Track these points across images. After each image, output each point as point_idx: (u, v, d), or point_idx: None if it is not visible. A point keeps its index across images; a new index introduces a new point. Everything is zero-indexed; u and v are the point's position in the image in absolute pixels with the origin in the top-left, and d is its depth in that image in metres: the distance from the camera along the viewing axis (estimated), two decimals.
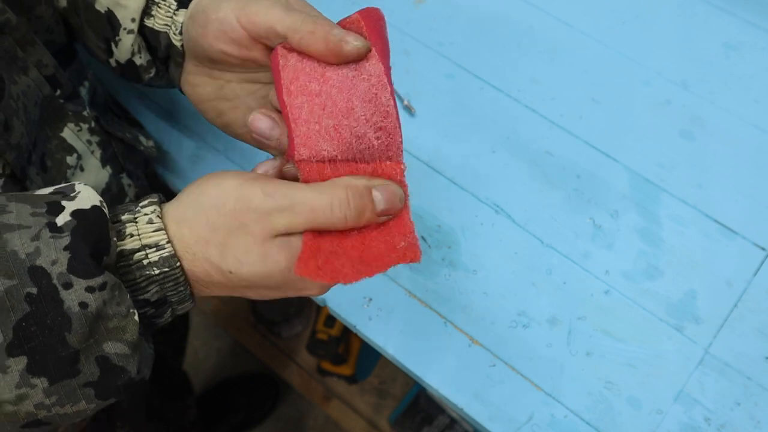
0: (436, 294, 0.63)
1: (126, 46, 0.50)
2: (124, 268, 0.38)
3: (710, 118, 0.70)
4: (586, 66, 0.73)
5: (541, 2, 0.77)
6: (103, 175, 0.56)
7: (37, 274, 0.34)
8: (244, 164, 0.71)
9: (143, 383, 0.39)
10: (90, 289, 0.35)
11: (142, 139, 0.66)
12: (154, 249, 0.38)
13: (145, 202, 0.39)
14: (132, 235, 0.38)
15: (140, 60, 0.52)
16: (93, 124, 0.55)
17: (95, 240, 0.36)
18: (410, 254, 0.40)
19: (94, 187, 0.55)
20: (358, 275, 0.39)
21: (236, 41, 0.43)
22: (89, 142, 0.55)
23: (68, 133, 0.52)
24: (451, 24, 0.76)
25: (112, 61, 0.52)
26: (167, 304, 0.39)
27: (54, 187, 0.38)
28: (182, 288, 0.39)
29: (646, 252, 0.64)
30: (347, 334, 1.38)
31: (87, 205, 0.37)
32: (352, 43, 0.40)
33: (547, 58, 0.74)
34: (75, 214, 0.36)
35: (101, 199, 0.38)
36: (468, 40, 0.75)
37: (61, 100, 0.52)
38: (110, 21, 0.49)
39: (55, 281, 0.34)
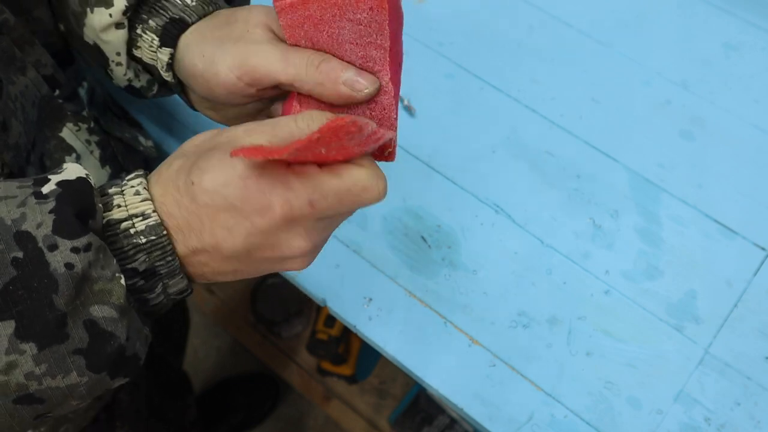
0: (436, 294, 0.63)
1: (119, 75, 0.51)
2: (111, 237, 0.38)
3: (710, 118, 0.70)
4: (586, 66, 0.73)
5: (541, 2, 0.77)
6: (102, 175, 0.56)
7: (23, 239, 0.34)
8: None
9: (136, 362, 0.39)
10: (75, 250, 0.35)
11: (142, 139, 0.66)
12: (141, 218, 0.38)
13: (132, 176, 0.40)
14: (119, 206, 0.38)
15: (139, 83, 0.52)
16: (92, 124, 0.55)
17: (80, 205, 0.36)
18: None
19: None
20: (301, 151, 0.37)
21: (239, 92, 0.45)
22: (88, 141, 0.55)
23: (67, 133, 0.52)
24: (451, 24, 0.76)
25: (115, 83, 0.53)
26: (157, 276, 0.39)
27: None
28: (170, 258, 0.38)
29: (646, 252, 0.64)
30: (347, 334, 1.39)
31: (72, 176, 0.37)
32: (364, 91, 0.42)
33: (547, 57, 0.74)
34: (60, 183, 0.36)
35: (87, 172, 0.38)
36: (468, 40, 0.75)
37: (60, 100, 0.52)
38: (99, 52, 0.50)
39: (40, 244, 0.35)
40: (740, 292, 0.62)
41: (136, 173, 0.40)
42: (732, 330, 0.61)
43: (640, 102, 0.71)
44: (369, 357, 1.43)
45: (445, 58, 0.74)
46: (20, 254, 0.34)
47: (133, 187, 0.39)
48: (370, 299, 0.64)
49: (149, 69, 0.51)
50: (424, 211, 0.67)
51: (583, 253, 0.64)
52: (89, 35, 0.49)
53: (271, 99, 0.47)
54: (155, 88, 0.53)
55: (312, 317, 1.51)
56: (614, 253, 0.64)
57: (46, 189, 0.36)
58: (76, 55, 0.57)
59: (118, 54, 0.49)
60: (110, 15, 0.47)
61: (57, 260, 0.34)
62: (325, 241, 0.41)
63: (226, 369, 1.56)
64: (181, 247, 0.39)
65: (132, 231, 0.38)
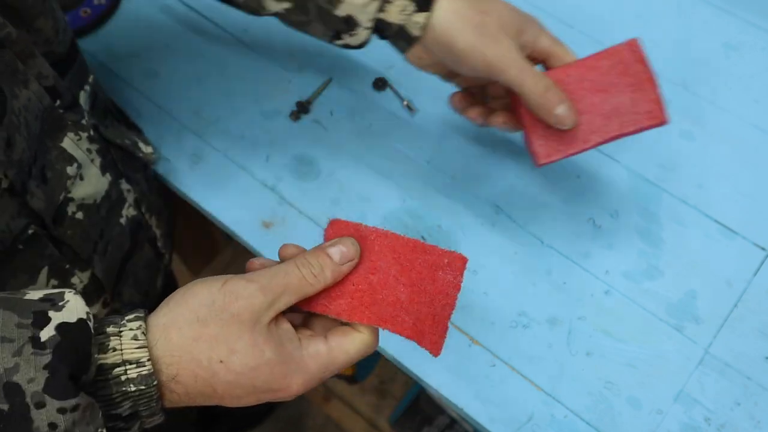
0: None
1: (360, 39, 0.57)
2: (101, 382, 0.38)
3: (710, 118, 0.70)
4: None
5: (541, 2, 0.77)
6: (103, 182, 0.56)
7: (12, 391, 0.34)
8: (244, 163, 0.70)
9: None
10: (62, 410, 0.35)
11: (141, 145, 0.65)
12: (135, 365, 0.38)
13: (131, 317, 0.40)
14: (114, 350, 0.38)
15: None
16: (92, 133, 0.55)
17: (76, 359, 0.36)
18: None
19: (94, 195, 0.55)
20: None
21: (476, 72, 0.54)
22: (89, 150, 0.54)
23: (68, 143, 0.52)
24: None
25: (327, 39, 0.58)
26: (137, 418, 0.39)
27: (44, 292, 0.38)
28: (154, 404, 0.39)
29: (646, 252, 0.64)
30: None
31: (73, 318, 0.37)
32: (565, 127, 0.55)
33: None
34: (60, 327, 0.36)
35: (88, 310, 0.38)
36: None
37: (61, 110, 0.52)
38: (347, 22, 0.54)
39: (28, 400, 0.34)
40: (740, 292, 0.62)
41: (136, 315, 0.40)
42: (732, 330, 0.61)
43: None
44: (369, 357, 1.42)
45: None
46: (6, 407, 0.34)
47: (132, 330, 0.39)
48: None
49: (379, 29, 0.56)
50: (424, 211, 0.67)
51: (583, 253, 0.64)
52: (344, 8, 0.54)
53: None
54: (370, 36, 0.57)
55: None
56: (614, 253, 0.64)
57: (44, 335, 0.36)
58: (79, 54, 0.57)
59: (371, 20, 0.55)
60: None
61: (41, 419, 0.34)
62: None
63: None
64: (177, 400, 0.40)
65: (123, 378, 0.38)
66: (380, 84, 0.73)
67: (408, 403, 1.35)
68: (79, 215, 0.53)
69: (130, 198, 0.61)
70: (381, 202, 0.67)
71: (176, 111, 0.74)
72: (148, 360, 0.38)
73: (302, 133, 0.72)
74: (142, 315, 0.40)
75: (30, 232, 0.48)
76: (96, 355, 0.37)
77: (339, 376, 1.41)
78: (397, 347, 0.62)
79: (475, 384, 0.60)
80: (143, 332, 0.39)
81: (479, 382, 0.60)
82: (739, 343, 0.60)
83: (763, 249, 0.64)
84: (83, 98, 0.57)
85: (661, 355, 0.60)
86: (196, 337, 0.39)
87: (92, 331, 0.37)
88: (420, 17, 0.53)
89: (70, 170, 0.52)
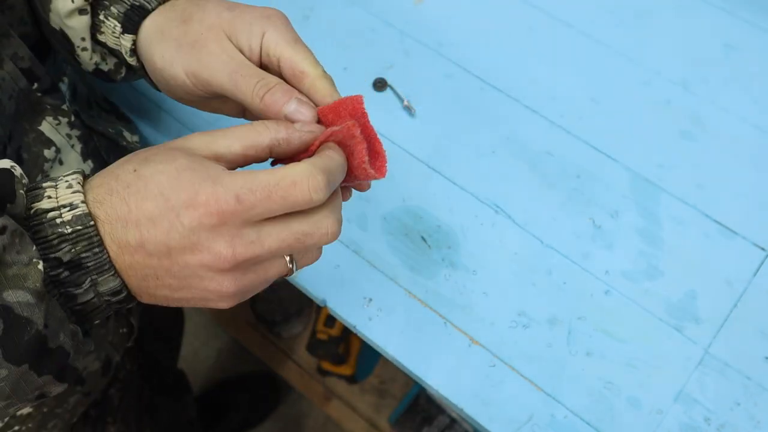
0: (436, 294, 0.63)
1: (86, 59, 0.52)
2: (37, 226, 0.37)
3: (710, 118, 0.70)
4: (586, 66, 0.73)
5: (541, 2, 0.77)
6: (85, 169, 0.56)
7: None
8: None
9: (64, 356, 0.37)
10: None
11: (127, 134, 0.65)
12: (68, 208, 0.37)
13: (70, 172, 0.39)
14: (50, 197, 0.38)
15: (107, 66, 0.53)
16: (73, 118, 0.55)
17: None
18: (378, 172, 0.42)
19: None
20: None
21: (196, 95, 0.47)
22: (69, 135, 0.54)
23: (46, 127, 0.52)
24: (451, 24, 0.76)
25: (83, 68, 0.53)
26: (83, 269, 0.37)
27: None
28: (97, 249, 0.37)
29: (646, 252, 0.64)
30: (347, 334, 1.38)
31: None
32: (305, 129, 0.42)
33: (547, 57, 0.74)
34: None
35: (14, 164, 0.38)
36: (468, 40, 0.75)
37: (39, 94, 0.52)
38: (65, 37, 0.50)
39: None
40: (740, 292, 0.62)
41: (75, 171, 0.40)
42: (732, 330, 0.61)
43: (640, 102, 0.71)
44: (369, 357, 1.43)
45: (445, 58, 0.74)
46: None
47: (67, 181, 0.38)
48: (370, 299, 0.64)
49: (115, 53, 0.52)
50: (424, 211, 0.67)
51: (583, 253, 0.64)
52: (55, 21, 0.50)
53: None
54: (123, 71, 0.54)
55: (312, 317, 1.51)
56: (614, 253, 0.64)
57: None
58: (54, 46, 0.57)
59: (83, 39, 0.50)
60: (72, 1, 0.48)
61: None
62: (251, 266, 0.39)
63: (226, 369, 1.56)
64: (109, 241, 0.38)
65: (58, 221, 0.37)
66: (380, 84, 0.73)
67: (408, 403, 1.35)
68: None
69: None
70: (381, 202, 0.67)
71: (176, 111, 0.74)
72: (82, 202, 0.37)
73: None
74: (80, 171, 0.40)
75: None
76: (32, 204, 0.37)
77: (339, 376, 1.41)
78: (397, 347, 0.62)
79: (475, 384, 0.60)
80: (79, 182, 0.38)
81: (479, 382, 0.60)
82: (739, 343, 0.60)
83: (763, 249, 0.64)
84: (63, 87, 0.57)
85: (661, 355, 0.60)
86: (123, 162, 0.39)
87: (17, 176, 0.37)
88: (127, 40, 0.48)
89: (48, 153, 0.52)
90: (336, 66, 0.75)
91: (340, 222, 0.40)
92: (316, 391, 1.46)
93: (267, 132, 0.40)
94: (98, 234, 0.37)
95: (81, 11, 0.49)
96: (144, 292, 0.40)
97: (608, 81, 0.72)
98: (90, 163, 0.57)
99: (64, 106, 0.54)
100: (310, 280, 0.65)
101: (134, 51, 0.49)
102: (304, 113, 0.42)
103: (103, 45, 0.52)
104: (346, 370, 1.40)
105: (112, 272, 0.38)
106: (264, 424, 1.49)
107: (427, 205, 0.67)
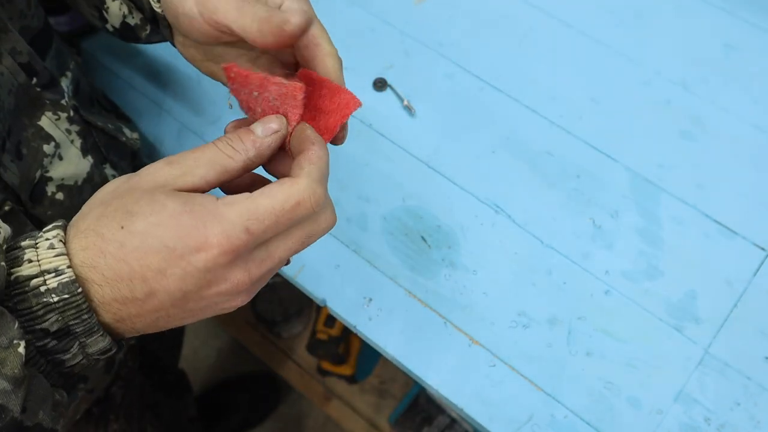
0: (436, 294, 0.63)
1: (114, 11, 0.52)
2: (19, 296, 0.35)
3: (710, 118, 0.70)
4: (586, 66, 0.73)
5: (541, 2, 0.77)
6: (84, 164, 0.56)
7: None
8: None
9: (42, 431, 0.36)
10: None
11: (126, 131, 0.65)
12: (53, 274, 0.35)
13: (49, 227, 0.37)
14: (30, 261, 0.35)
15: (133, 20, 0.53)
16: (72, 114, 0.54)
17: None
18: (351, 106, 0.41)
19: (75, 176, 0.54)
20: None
21: (206, 32, 0.44)
22: (68, 131, 0.54)
23: (46, 122, 0.52)
24: (451, 24, 0.76)
25: (109, 27, 0.53)
26: (71, 336, 0.36)
27: None
28: (86, 316, 0.36)
29: (646, 252, 0.64)
30: (347, 334, 1.38)
31: None
32: (292, 23, 0.40)
33: (547, 58, 0.74)
34: None
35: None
36: (468, 40, 0.75)
37: (38, 89, 0.51)
38: None
39: None
40: (740, 292, 0.62)
41: (55, 224, 0.37)
42: (732, 330, 0.61)
43: (640, 102, 0.71)
44: (369, 357, 1.43)
45: (445, 58, 0.74)
46: None
47: (48, 240, 0.36)
48: (370, 299, 0.64)
49: (140, 7, 0.52)
50: (424, 211, 0.67)
51: (583, 253, 0.64)
52: None
53: (239, 41, 0.46)
54: (148, 27, 0.53)
55: (312, 317, 1.51)
56: (614, 253, 0.64)
57: None
58: (54, 38, 0.57)
59: None
60: None
61: None
62: (265, 275, 0.39)
63: (226, 369, 1.56)
64: (108, 299, 0.36)
65: (42, 289, 0.35)
66: (380, 84, 0.73)
67: (408, 403, 1.35)
68: (60, 196, 0.54)
69: None
70: (381, 202, 0.67)
71: (176, 111, 0.74)
72: (68, 267, 0.35)
73: None
74: (60, 224, 0.37)
75: (7, 208, 0.48)
76: (11, 270, 0.35)
77: (339, 376, 1.41)
78: (397, 347, 0.62)
79: (475, 384, 0.60)
80: (60, 240, 0.36)
81: (479, 381, 0.60)
82: (739, 343, 0.60)
83: (763, 249, 0.64)
84: (65, 83, 0.57)
85: (661, 355, 0.60)
86: (99, 216, 0.36)
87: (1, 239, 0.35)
88: None
89: (47, 149, 0.51)
90: None
91: (334, 209, 0.40)
92: (316, 391, 1.46)
93: (238, 155, 0.38)
94: (86, 300, 0.36)
95: None
96: (151, 328, 0.39)
97: (608, 81, 0.72)
98: (90, 159, 0.57)
99: (63, 101, 0.54)
100: (310, 280, 0.65)
101: None
102: (296, 18, 0.40)
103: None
104: (346, 370, 1.40)
105: (101, 333, 0.37)
106: (264, 424, 1.49)
107: (427, 205, 0.67)
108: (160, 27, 0.51)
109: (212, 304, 0.38)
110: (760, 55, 0.73)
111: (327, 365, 1.41)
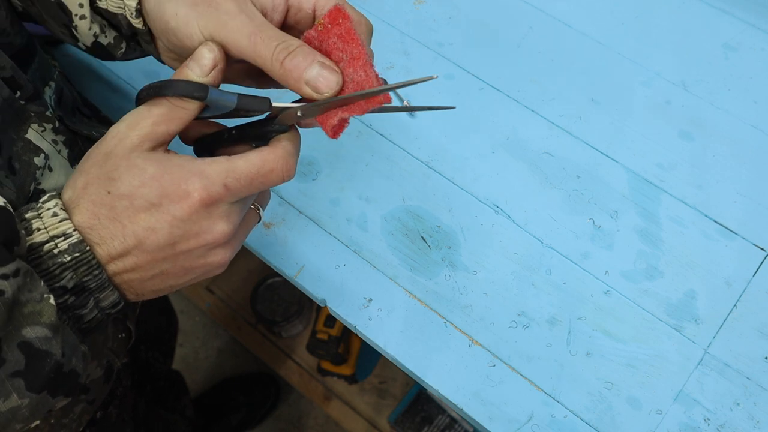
0: (436, 294, 0.63)
1: (84, 30, 0.49)
2: (36, 260, 0.39)
3: (710, 119, 0.70)
4: (585, 66, 0.73)
5: (541, 2, 0.77)
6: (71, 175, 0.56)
7: None
8: None
9: (75, 378, 0.40)
10: (4, 276, 0.36)
11: None
12: (62, 238, 0.39)
13: (45, 197, 0.41)
14: (39, 229, 0.39)
15: (106, 39, 0.51)
16: (57, 124, 0.54)
17: (4, 234, 0.37)
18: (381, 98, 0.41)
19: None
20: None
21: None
22: (55, 141, 0.53)
23: (33, 134, 0.51)
24: (451, 24, 0.76)
25: (81, 45, 0.52)
26: (87, 291, 0.40)
27: None
28: (97, 271, 0.40)
29: (645, 252, 0.64)
30: (347, 334, 1.39)
31: None
32: (325, 94, 0.42)
33: (547, 58, 0.74)
34: None
35: (5, 200, 0.39)
36: (468, 41, 0.75)
37: (22, 102, 0.51)
38: (62, 8, 0.48)
39: None
40: (740, 292, 0.62)
41: (49, 195, 0.41)
42: (732, 330, 0.61)
43: (640, 102, 0.71)
44: (369, 357, 1.43)
45: (445, 59, 0.74)
46: None
47: (50, 209, 0.40)
48: (370, 299, 0.64)
49: (115, 25, 0.50)
50: (424, 211, 0.67)
51: (583, 254, 0.64)
52: None
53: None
54: (123, 45, 0.51)
55: (312, 317, 1.51)
56: (614, 253, 0.64)
57: None
58: (37, 46, 0.56)
59: (81, 6, 0.48)
60: None
61: None
62: (242, 230, 0.44)
63: (226, 369, 1.56)
64: (106, 256, 0.40)
65: (55, 251, 0.39)
66: None
67: (408, 403, 1.35)
68: None
69: None
70: (381, 202, 0.68)
71: None
72: (74, 230, 0.39)
73: (302, 133, 0.72)
74: (55, 194, 0.41)
75: None
76: (23, 232, 0.38)
77: (339, 375, 1.41)
78: (397, 347, 0.62)
79: (474, 384, 0.60)
80: (61, 207, 0.40)
81: (479, 381, 0.60)
82: (739, 343, 0.60)
83: (762, 249, 0.64)
84: (48, 94, 0.56)
85: (661, 355, 0.60)
86: (84, 185, 0.40)
87: (12, 213, 0.38)
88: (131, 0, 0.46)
89: (38, 161, 0.51)
90: None
91: (296, 161, 0.44)
92: (316, 391, 1.46)
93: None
94: (95, 257, 0.40)
95: None
96: (148, 290, 0.43)
97: (608, 81, 0.72)
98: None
99: (48, 113, 0.53)
100: (310, 280, 0.65)
101: (140, 12, 0.46)
102: (327, 78, 0.40)
103: (103, 15, 0.49)
104: (346, 370, 1.40)
105: (111, 288, 0.41)
106: (264, 424, 1.49)
107: (427, 205, 0.67)
108: (141, 43, 0.50)
109: (200, 257, 0.42)
110: (759, 56, 0.73)
111: (327, 365, 1.41)
